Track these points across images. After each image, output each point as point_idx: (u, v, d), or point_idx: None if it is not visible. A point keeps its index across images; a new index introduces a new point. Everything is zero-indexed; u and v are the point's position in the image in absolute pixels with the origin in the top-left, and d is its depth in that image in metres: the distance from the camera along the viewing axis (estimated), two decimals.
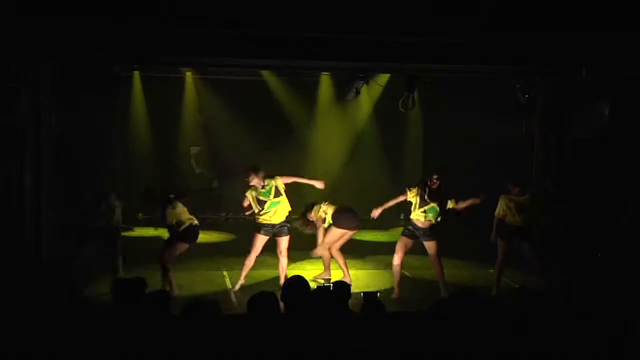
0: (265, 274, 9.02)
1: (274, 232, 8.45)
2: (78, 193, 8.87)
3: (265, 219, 8.39)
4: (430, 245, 8.32)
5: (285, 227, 8.50)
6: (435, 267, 8.37)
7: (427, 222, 8.23)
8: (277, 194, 8.37)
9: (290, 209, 8.54)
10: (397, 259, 8.33)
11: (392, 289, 8.46)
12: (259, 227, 8.43)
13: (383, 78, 10.58)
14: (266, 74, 11.88)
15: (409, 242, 8.38)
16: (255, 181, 8.33)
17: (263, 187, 8.34)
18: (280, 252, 8.49)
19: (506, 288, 8.28)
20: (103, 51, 7.93)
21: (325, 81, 12.41)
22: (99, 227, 8.41)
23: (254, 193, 8.38)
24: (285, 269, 8.51)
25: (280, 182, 8.39)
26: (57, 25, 7.40)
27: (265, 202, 8.35)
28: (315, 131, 13.33)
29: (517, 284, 8.34)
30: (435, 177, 8.24)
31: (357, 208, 12.49)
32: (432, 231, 8.28)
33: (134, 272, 6.86)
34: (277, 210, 8.40)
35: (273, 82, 12.40)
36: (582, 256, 9.35)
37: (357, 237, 10.34)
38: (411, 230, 8.33)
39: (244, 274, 8.44)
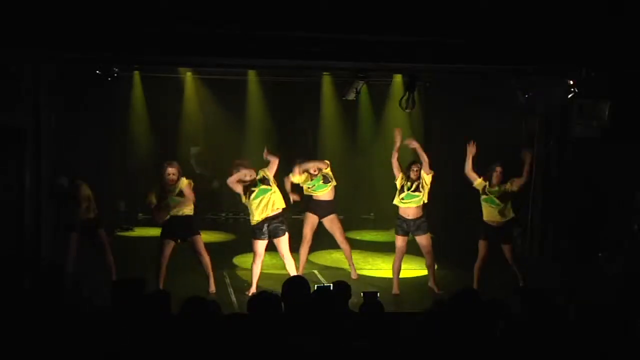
0: (265, 274, 9.01)
1: (269, 233, 8.29)
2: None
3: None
4: (421, 240, 8.48)
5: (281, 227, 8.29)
6: (426, 257, 8.57)
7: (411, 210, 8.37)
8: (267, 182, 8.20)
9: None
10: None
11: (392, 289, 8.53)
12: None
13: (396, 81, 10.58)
14: (251, 74, 11.84)
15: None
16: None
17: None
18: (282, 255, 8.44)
19: (506, 288, 8.26)
20: (103, 51, 7.93)
21: (324, 81, 12.39)
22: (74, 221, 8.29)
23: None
24: (295, 269, 8.43)
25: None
26: (57, 25, 7.40)
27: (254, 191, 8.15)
28: (316, 131, 13.33)
29: (517, 283, 8.37)
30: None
31: (355, 207, 12.55)
32: (422, 223, 8.44)
33: (133, 273, 6.88)
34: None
35: (272, 82, 12.40)
36: (583, 256, 9.36)
37: (357, 237, 10.35)
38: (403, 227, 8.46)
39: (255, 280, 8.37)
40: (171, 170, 8.11)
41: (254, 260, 8.32)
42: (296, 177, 8.68)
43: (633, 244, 8.91)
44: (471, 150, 8.37)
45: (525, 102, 10.21)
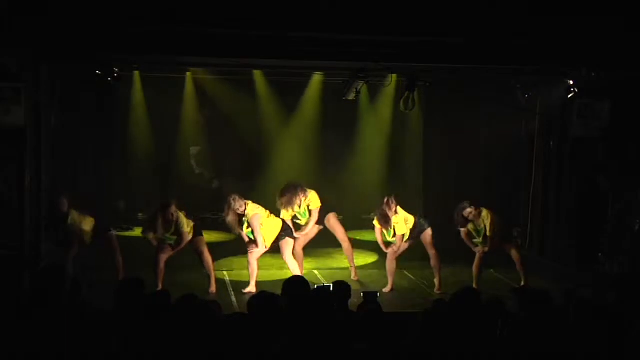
0: (265, 274, 9.01)
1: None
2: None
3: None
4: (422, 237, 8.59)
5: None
6: (431, 257, 8.63)
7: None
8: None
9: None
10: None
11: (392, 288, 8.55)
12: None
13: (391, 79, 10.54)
14: (257, 76, 11.84)
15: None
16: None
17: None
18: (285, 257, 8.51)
19: (506, 288, 8.26)
20: (103, 51, 7.93)
21: (323, 81, 12.37)
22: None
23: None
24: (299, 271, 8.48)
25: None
26: (57, 25, 7.39)
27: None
28: (316, 131, 13.31)
29: (517, 284, 8.37)
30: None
31: (355, 207, 12.52)
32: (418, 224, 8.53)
33: (133, 273, 6.88)
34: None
35: (272, 82, 12.39)
36: (583, 256, 9.36)
37: (357, 237, 10.33)
38: None
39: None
40: (173, 210, 8.17)
41: (249, 259, 8.37)
42: (284, 214, 8.73)
43: (633, 244, 8.91)
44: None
45: (525, 102, 10.20)
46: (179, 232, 8.21)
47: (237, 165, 13.06)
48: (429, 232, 8.57)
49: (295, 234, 8.70)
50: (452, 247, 9.20)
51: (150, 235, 8.31)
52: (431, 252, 8.59)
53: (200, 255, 8.40)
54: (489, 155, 11.16)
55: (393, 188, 11.04)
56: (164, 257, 8.19)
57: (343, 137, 13.29)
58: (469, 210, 8.29)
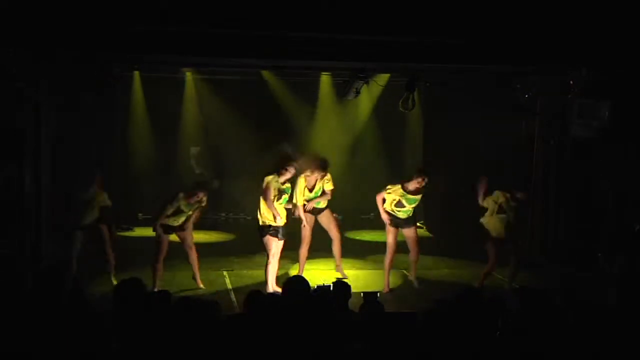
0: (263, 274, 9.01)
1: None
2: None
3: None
4: (408, 232, 8.55)
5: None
6: (412, 251, 8.60)
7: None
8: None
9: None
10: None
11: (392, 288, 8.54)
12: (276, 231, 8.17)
13: (383, 78, 10.57)
14: (266, 74, 11.87)
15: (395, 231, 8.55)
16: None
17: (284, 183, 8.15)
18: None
19: (506, 288, 8.27)
20: (103, 51, 7.93)
21: (324, 81, 12.40)
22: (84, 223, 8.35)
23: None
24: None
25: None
26: (57, 25, 7.40)
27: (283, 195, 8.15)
28: (316, 131, 13.33)
29: (517, 284, 8.37)
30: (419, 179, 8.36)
31: (355, 207, 12.54)
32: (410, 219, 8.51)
33: (133, 273, 6.88)
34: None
35: (273, 82, 12.41)
36: (583, 256, 9.35)
37: (357, 237, 10.35)
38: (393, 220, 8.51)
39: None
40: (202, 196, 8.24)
41: (269, 260, 8.14)
42: (300, 183, 8.57)
43: (633, 244, 8.91)
44: (482, 185, 8.44)
45: (525, 102, 10.21)
46: (192, 213, 8.22)
47: (237, 165, 13.06)
48: (413, 229, 8.59)
49: (306, 206, 8.66)
50: (452, 247, 9.22)
51: (168, 213, 8.20)
52: (413, 247, 8.60)
53: (189, 249, 8.35)
54: (489, 155, 11.16)
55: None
56: (161, 257, 8.18)
57: (343, 136, 13.32)
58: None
